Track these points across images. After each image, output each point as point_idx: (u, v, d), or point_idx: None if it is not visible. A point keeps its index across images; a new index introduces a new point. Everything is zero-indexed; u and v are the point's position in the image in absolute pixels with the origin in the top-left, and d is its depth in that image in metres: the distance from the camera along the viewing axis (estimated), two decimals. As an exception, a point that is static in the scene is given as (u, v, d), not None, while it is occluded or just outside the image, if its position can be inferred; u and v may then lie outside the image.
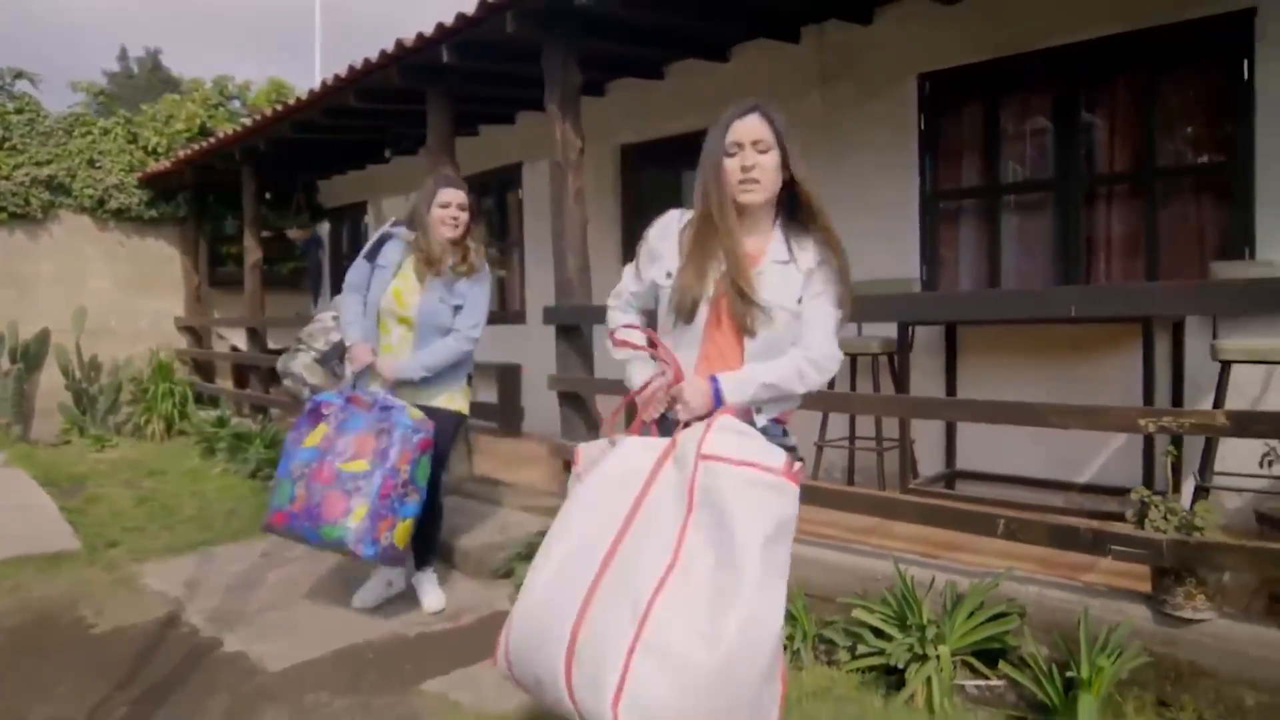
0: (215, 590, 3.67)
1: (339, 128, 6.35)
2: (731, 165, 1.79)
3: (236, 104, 9.39)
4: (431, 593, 3.38)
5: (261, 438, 6.42)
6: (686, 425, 1.71)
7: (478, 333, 3.23)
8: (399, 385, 3.13)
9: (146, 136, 8.63)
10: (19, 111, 8.07)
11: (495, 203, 7.49)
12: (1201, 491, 3.14)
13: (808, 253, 1.82)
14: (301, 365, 3.34)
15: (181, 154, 7.89)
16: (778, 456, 1.59)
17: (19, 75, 8.27)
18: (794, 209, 1.85)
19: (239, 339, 8.66)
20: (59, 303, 8.33)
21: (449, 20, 4.27)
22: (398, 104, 5.54)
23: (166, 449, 7.52)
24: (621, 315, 2.02)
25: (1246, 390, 3.46)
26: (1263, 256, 3.48)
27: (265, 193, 8.01)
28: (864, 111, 4.66)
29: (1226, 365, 3.22)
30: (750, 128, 1.79)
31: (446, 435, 3.23)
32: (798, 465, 1.65)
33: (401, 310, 3.17)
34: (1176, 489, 3.28)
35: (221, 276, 9.36)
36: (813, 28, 4.79)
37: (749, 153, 1.78)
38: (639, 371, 1.91)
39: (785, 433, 1.90)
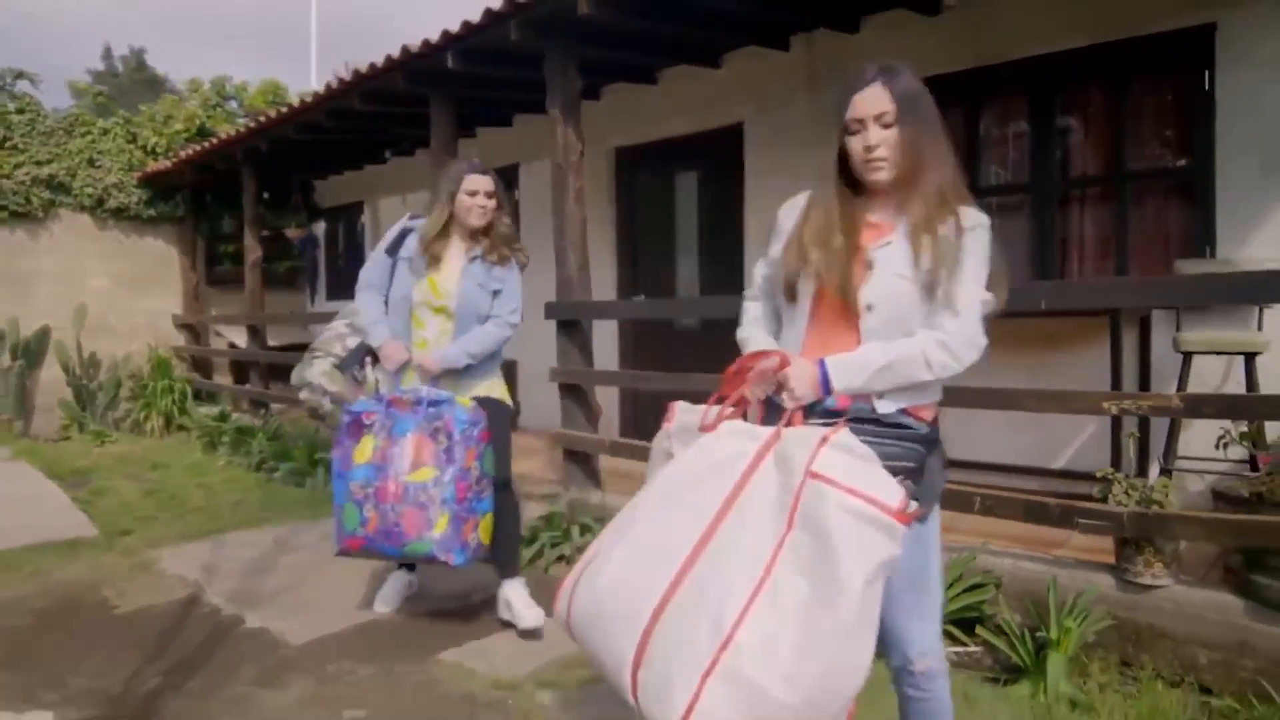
0: (232, 573, 3.83)
1: (340, 129, 6.50)
2: (855, 145, 1.63)
3: (233, 104, 9.51)
4: (526, 608, 3.02)
5: (264, 432, 6.58)
6: (791, 418, 1.56)
7: (517, 318, 3.10)
8: (442, 378, 2.99)
9: (145, 136, 8.75)
10: (20, 111, 8.17)
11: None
12: (1165, 473, 3.36)
13: (946, 226, 1.61)
14: (319, 373, 3.15)
15: (183, 154, 8.02)
16: (894, 493, 1.41)
17: (20, 75, 8.39)
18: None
19: (237, 336, 8.79)
20: (59, 300, 8.43)
21: (453, 26, 4.45)
22: (399, 107, 5.71)
23: (167, 444, 7.64)
24: (751, 304, 1.86)
25: (1208, 379, 3.69)
26: (1222, 255, 3.71)
27: (264, 192, 8.14)
28: (851, 116, 4.86)
29: (1188, 356, 3.45)
30: (872, 101, 1.61)
31: (501, 426, 3.04)
32: (913, 506, 1.45)
33: (439, 300, 3.00)
34: (1142, 471, 3.52)
35: (218, 275, 9.48)
36: (802, 36, 5.00)
37: (872, 129, 1.61)
38: (756, 341, 1.77)
39: (927, 431, 1.65)
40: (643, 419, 5.98)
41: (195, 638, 3.11)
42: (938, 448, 1.68)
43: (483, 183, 3.00)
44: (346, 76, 5.44)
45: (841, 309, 1.65)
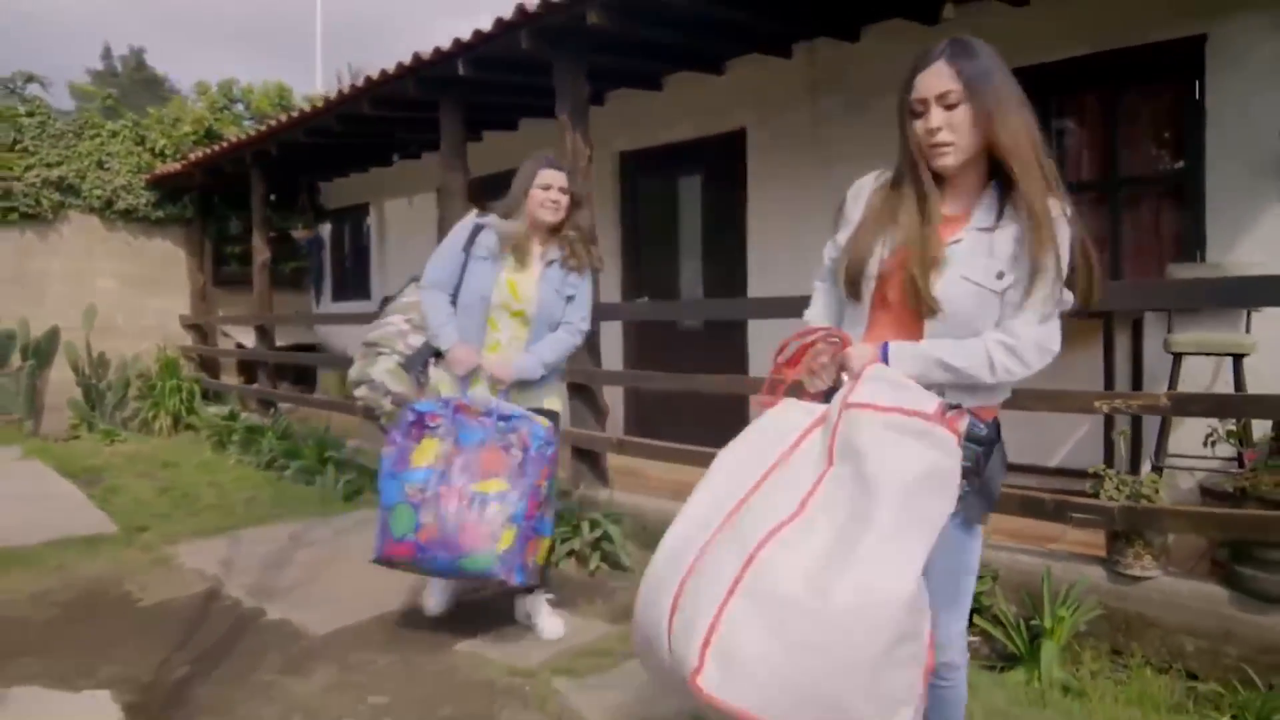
0: (250, 568, 3.93)
1: (348, 133, 6.61)
2: (918, 128, 1.53)
3: (239, 107, 9.62)
4: (548, 618, 3.08)
5: (273, 431, 6.68)
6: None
7: (587, 325, 3.02)
8: (513, 388, 2.88)
9: (154, 139, 8.85)
10: (30, 114, 8.28)
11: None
12: (1156, 470, 3.48)
13: (1021, 221, 1.49)
14: (384, 371, 2.96)
15: (192, 156, 8.12)
16: (929, 401, 1.36)
17: (30, 79, 8.48)
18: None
19: (244, 336, 8.89)
20: (68, 301, 8.53)
21: (452, 26, 4.57)
22: (408, 112, 5.82)
23: (176, 443, 7.74)
24: (819, 285, 1.78)
25: (1199, 380, 3.80)
26: (1212, 258, 3.83)
27: (271, 194, 8.24)
28: (851, 123, 4.98)
29: (1178, 357, 3.56)
30: (934, 80, 1.51)
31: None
32: (952, 413, 1.39)
33: (517, 303, 2.90)
34: (1135, 468, 3.64)
35: (225, 276, 9.59)
36: (804, 44, 5.11)
37: (935, 111, 1.50)
38: (818, 321, 1.71)
39: (985, 431, 1.53)
40: (646, 418, 6.09)
41: (219, 629, 3.21)
42: (998, 449, 1.58)
43: (556, 178, 2.88)
44: (349, 77, 5.59)
45: (904, 309, 1.56)
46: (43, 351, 8.25)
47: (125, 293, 8.93)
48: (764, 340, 5.36)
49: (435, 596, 3.24)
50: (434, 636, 3.08)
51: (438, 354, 2.95)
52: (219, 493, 5.57)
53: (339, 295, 9.89)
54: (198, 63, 45.06)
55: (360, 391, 3.00)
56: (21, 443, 7.39)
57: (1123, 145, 4.19)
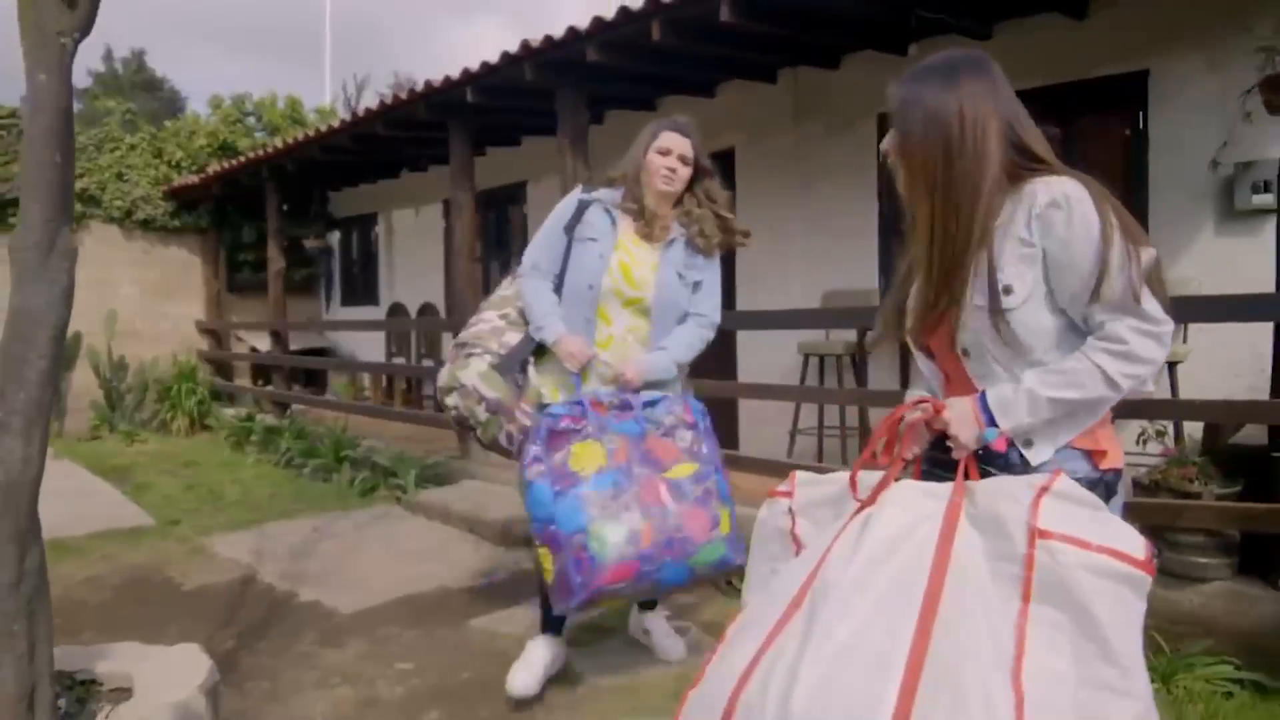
0: (280, 557, 4.31)
1: (361, 149, 6.99)
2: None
3: (252, 120, 10.00)
4: (666, 637, 2.86)
5: (290, 431, 7.06)
6: (967, 469, 1.34)
7: (718, 317, 2.62)
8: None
9: (171, 151, 9.23)
10: (54, 129, 8.65)
11: (502, 216, 8.16)
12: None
13: (1017, 213, 1.36)
14: (476, 375, 2.52)
15: (210, 170, 8.51)
16: (1135, 540, 1.18)
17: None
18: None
19: (258, 341, 9.28)
20: (90, 307, 8.89)
21: (474, 66, 4.95)
22: (418, 131, 6.21)
23: (195, 443, 8.13)
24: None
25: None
26: (1155, 274, 4.21)
27: (284, 204, 8.62)
28: (832, 145, 5.37)
29: (1121, 364, 3.94)
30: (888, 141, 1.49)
31: None
32: (1148, 550, 1.20)
33: (633, 290, 2.50)
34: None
35: (239, 282, 9.97)
36: (788, 70, 5.49)
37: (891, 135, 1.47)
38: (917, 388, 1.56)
39: (1095, 474, 1.37)
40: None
41: (257, 609, 3.59)
42: (1116, 495, 1.40)
43: (678, 143, 2.49)
44: (355, 86, 5.94)
45: (944, 353, 1.46)
46: (67, 356, 8.63)
47: (144, 299, 9.31)
48: (751, 347, 5.75)
49: (527, 672, 2.60)
50: (451, 614, 3.46)
51: (539, 350, 2.56)
52: (242, 489, 5.95)
53: (348, 300, 10.28)
54: (198, 65, 45.38)
55: (450, 400, 2.56)
56: (51, 443, 7.76)
57: (1076, 169, 4.57)
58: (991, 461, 1.36)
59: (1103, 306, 1.31)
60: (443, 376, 2.63)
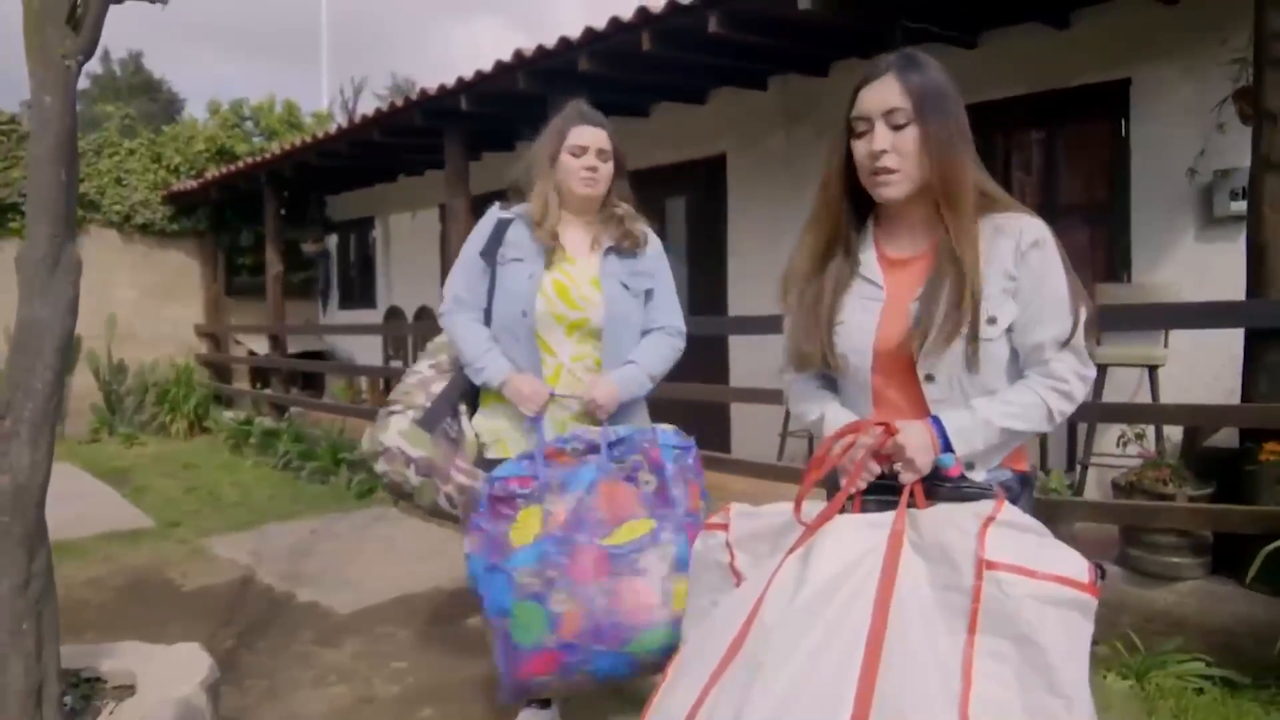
0: (278, 558, 4.38)
1: (358, 155, 7.07)
2: (859, 150, 1.36)
3: (249, 124, 10.08)
4: None
5: (288, 433, 7.14)
6: (914, 496, 1.30)
7: (683, 323, 2.29)
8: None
9: (169, 156, 9.31)
10: (53, 134, 8.72)
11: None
12: (1083, 468, 3.94)
13: (1000, 245, 1.35)
14: (397, 434, 2.19)
15: (209, 175, 8.59)
16: (1078, 564, 1.18)
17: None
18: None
19: (256, 344, 9.36)
20: (90, 311, 8.93)
21: (468, 74, 5.02)
22: (414, 138, 6.28)
23: (194, 446, 8.20)
24: (796, 377, 1.58)
25: (1126, 388, 4.26)
26: (1137, 279, 4.29)
27: (281, 209, 8.70)
28: (821, 151, 5.44)
29: (1103, 368, 4.02)
30: (881, 95, 1.34)
31: None
32: (1091, 572, 1.20)
33: (574, 311, 2.14)
34: (1071, 466, 4.11)
35: (237, 286, 10.04)
36: (778, 78, 5.57)
37: (880, 130, 1.33)
38: (832, 417, 1.46)
39: (1010, 478, 1.42)
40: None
41: (256, 609, 3.67)
42: (1025, 494, 1.45)
43: (594, 136, 2.15)
44: (352, 90, 6.04)
45: (899, 375, 1.41)
46: (68, 359, 8.70)
47: (143, 302, 9.38)
48: (743, 351, 5.83)
49: None
50: (446, 614, 3.54)
51: (474, 392, 2.24)
52: (241, 491, 6.02)
53: (345, 304, 10.36)
54: (196, 66, 45.48)
55: (379, 466, 2.24)
56: (49, 446, 7.84)
57: (1060, 177, 4.66)
58: (939, 483, 1.33)
59: (1054, 344, 1.36)
60: (366, 441, 2.28)
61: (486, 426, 2.21)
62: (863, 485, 1.36)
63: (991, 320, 1.35)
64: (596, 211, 2.21)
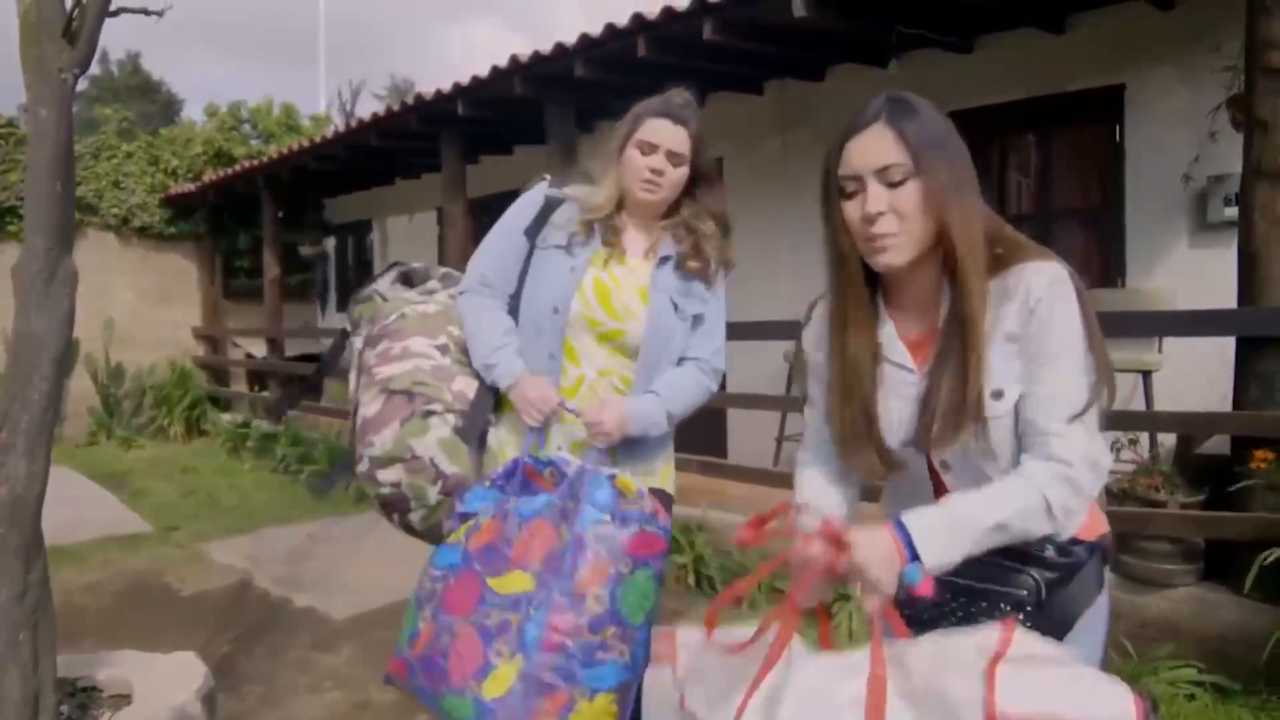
0: (275, 562, 4.40)
1: (355, 158, 7.08)
2: (850, 213, 1.18)
3: (247, 127, 10.08)
4: None
5: (286, 437, 7.15)
6: (889, 623, 1.06)
7: (723, 363, 1.98)
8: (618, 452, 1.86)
9: (166, 159, 9.31)
10: (51, 137, 8.74)
11: (494, 224, 8.25)
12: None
13: (1006, 308, 1.15)
14: (436, 444, 1.79)
15: (207, 178, 8.59)
16: (1121, 700, 0.94)
17: (51, 104, 8.92)
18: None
19: (254, 347, 9.36)
20: (87, 314, 8.94)
21: (464, 79, 5.04)
22: (411, 142, 6.30)
23: (191, 449, 8.21)
24: (807, 461, 1.37)
25: (1120, 393, 4.27)
26: (1132, 284, 4.31)
27: (279, 212, 8.71)
28: (818, 155, 5.39)
29: (1097, 373, 4.04)
30: (873, 149, 1.16)
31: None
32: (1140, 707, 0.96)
33: (612, 321, 1.85)
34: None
35: (234, 288, 10.05)
36: (774, 83, 5.58)
37: (874, 190, 1.15)
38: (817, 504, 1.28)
39: (1094, 551, 1.18)
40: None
41: (253, 615, 3.68)
42: (1094, 569, 1.18)
43: (670, 135, 1.83)
44: (350, 93, 6.05)
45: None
46: (66, 363, 8.70)
47: (140, 305, 9.38)
48: (739, 357, 5.83)
49: None
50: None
51: (497, 401, 1.88)
52: (239, 495, 6.03)
53: (343, 307, 10.36)
54: (194, 67, 45.49)
55: (387, 474, 1.79)
56: (47, 449, 7.85)
57: (1054, 182, 4.68)
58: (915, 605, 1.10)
59: (1059, 417, 1.12)
60: (383, 442, 1.79)
61: (499, 440, 1.89)
62: (812, 604, 1.14)
63: (997, 394, 1.14)
64: (659, 217, 1.91)
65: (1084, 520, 1.18)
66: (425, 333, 1.89)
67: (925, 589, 1.04)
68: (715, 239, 1.90)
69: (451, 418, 1.81)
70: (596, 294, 1.84)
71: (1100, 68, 4.34)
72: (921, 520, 1.09)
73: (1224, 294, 3.75)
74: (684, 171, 1.85)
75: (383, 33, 46.44)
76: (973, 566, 1.12)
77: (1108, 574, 1.24)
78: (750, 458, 5.04)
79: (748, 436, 5.61)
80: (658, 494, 1.83)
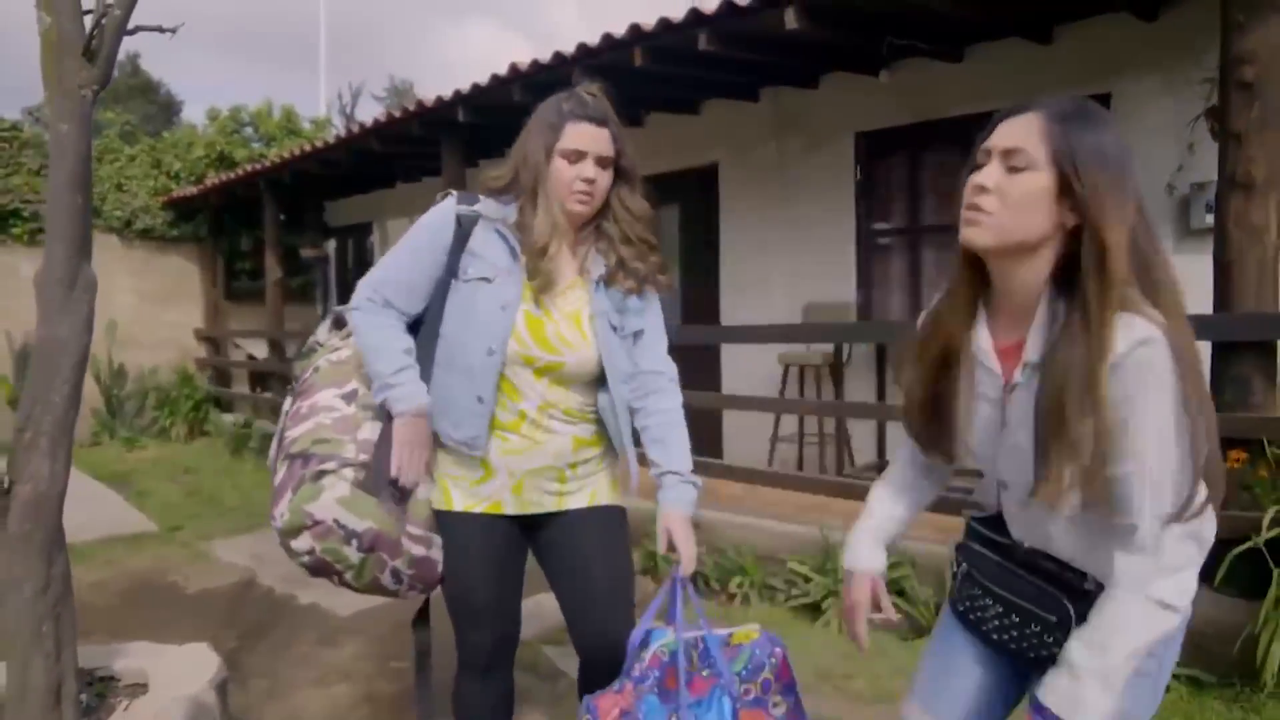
0: (279, 561, 4.40)
1: (356, 162, 7.17)
2: (970, 179, 1.15)
3: (248, 130, 10.17)
4: None
5: (287, 438, 7.22)
6: None
7: (676, 375, 1.87)
8: (533, 471, 1.74)
9: (169, 162, 9.41)
10: (54, 141, 8.83)
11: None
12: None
13: (1099, 357, 1.04)
14: (334, 503, 1.63)
15: (209, 181, 8.68)
16: None
17: (54, 108, 9.01)
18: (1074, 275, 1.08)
19: (255, 348, 9.45)
20: (90, 316, 9.07)
21: (465, 88, 5.13)
22: (412, 147, 6.39)
23: (193, 449, 8.30)
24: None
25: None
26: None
27: (281, 214, 8.80)
28: (811, 161, 5.56)
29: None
30: (1013, 131, 1.13)
31: (624, 545, 1.89)
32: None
33: (548, 354, 1.70)
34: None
35: (236, 290, 10.13)
36: (769, 89, 5.68)
37: (993, 166, 1.13)
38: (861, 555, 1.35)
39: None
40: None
41: (258, 612, 3.77)
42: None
43: (594, 139, 1.69)
44: (350, 95, 6.14)
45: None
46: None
47: (142, 307, 9.46)
48: (734, 358, 5.94)
49: None
50: (443, 617, 3.63)
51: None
52: (241, 495, 6.12)
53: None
54: (193, 68, 45.49)
55: (299, 544, 1.65)
56: (50, 449, 7.94)
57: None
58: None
59: (1148, 516, 1.05)
60: (282, 514, 1.64)
61: (432, 477, 1.74)
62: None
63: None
64: (581, 228, 1.74)
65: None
66: (334, 383, 1.76)
67: None
68: (642, 253, 1.75)
69: (350, 472, 1.65)
70: (530, 330, 1.68)
71: (1087, 77, 4.44)
72: (1057, 692, 1.08)
73: (1207, 299, 3.85)
74: (610, 175, 1.72)
75: (380, 33, 46.50)
76: (1017, 581, 1.18)
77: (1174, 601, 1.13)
78: (745, 458, 5.14)
79: (743, 437, 5.71)
80: (608, 510, 1.82)
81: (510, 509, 1.75)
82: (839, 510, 4.11)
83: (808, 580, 3.52)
